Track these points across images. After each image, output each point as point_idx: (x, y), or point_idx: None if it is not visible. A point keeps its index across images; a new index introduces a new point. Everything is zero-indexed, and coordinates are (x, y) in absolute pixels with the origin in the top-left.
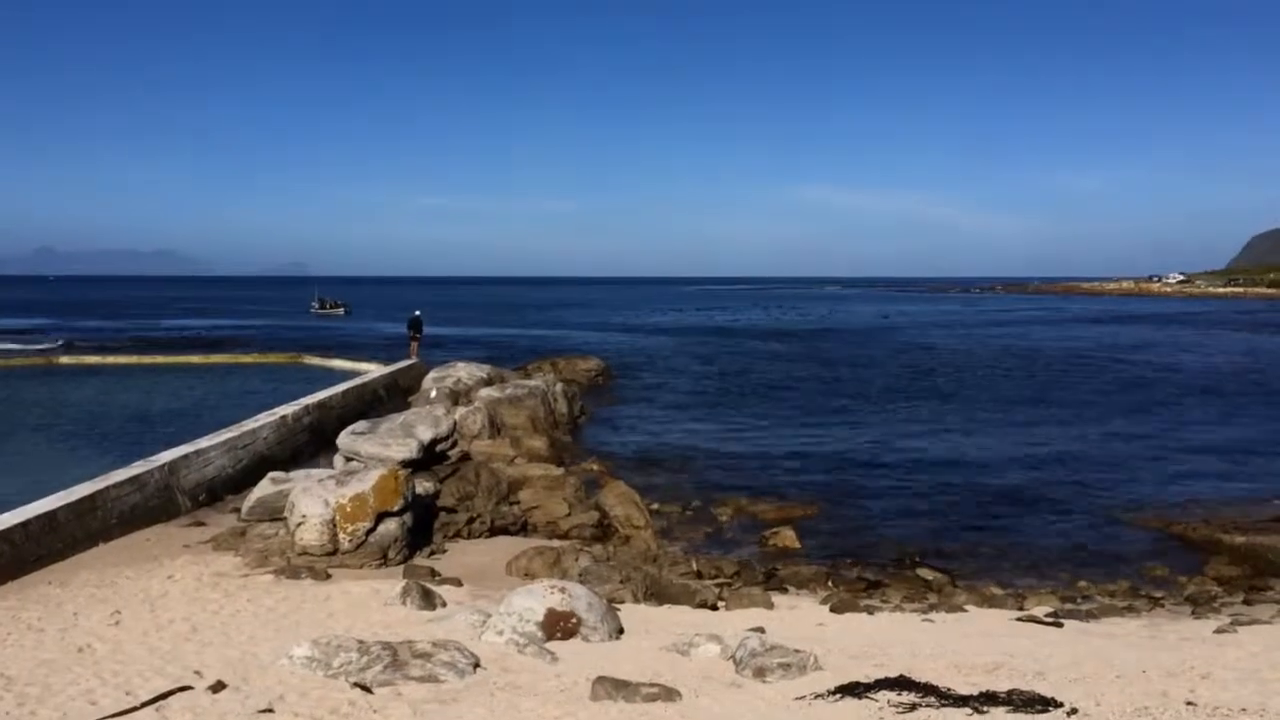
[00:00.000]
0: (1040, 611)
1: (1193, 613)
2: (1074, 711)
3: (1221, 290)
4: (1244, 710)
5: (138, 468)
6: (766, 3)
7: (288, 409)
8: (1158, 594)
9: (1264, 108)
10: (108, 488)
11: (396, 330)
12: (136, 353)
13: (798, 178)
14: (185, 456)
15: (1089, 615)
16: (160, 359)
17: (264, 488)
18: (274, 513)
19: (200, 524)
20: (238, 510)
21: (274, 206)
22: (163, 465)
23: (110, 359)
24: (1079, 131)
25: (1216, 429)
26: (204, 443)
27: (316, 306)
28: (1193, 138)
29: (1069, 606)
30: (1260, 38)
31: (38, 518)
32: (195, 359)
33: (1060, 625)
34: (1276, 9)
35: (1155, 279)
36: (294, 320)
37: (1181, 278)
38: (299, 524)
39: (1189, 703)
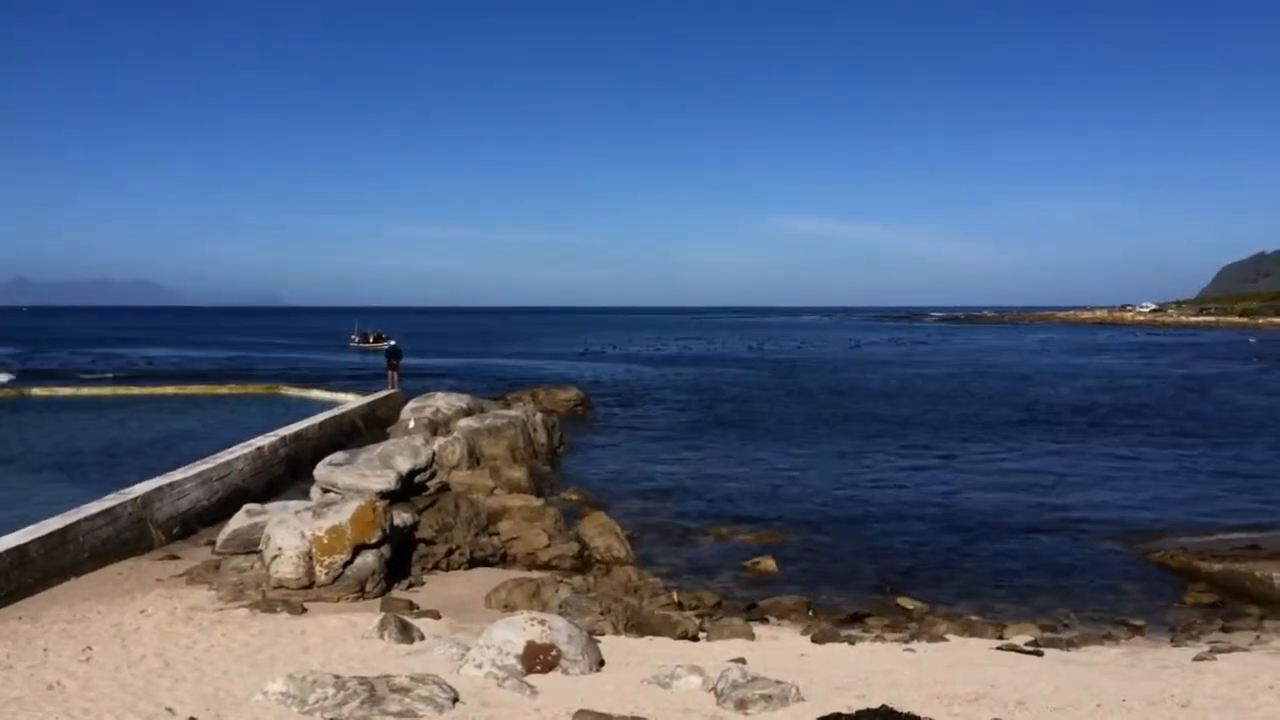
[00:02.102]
0: (1020, 640)
1: (1172, 640)
2: None
3: (1194, 319)
4: None
5: (110, 500)
6: (743, 37)
7: (263, 440)
8: (1137, 622)
9: (1234, 142)
10: (79, 521)
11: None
12: (110, 384)
13: (776, 209)
14: (159, 489)
15: (1069, 643)
16: (134, 390)
17: (239, 520)
18: (249, 546)
19: (174, 557)
20: (212, 543)
21: (249, 237)
22: (136, 498)
23: (84, 390)
24: (1052, 164)
25: (1189, 456)
26: (178, 475)
27: (357, 340)
28: (1164, 170)
29: (1049, 635)
30: (1230, 75)
31: (7, 551)
32: (170, 390)
33: (1041, 654)
34: (1247, 48)
35: (1128, 308)
36: (337, 355)
37: (1154, 307)
38: (274, 557)
39: None
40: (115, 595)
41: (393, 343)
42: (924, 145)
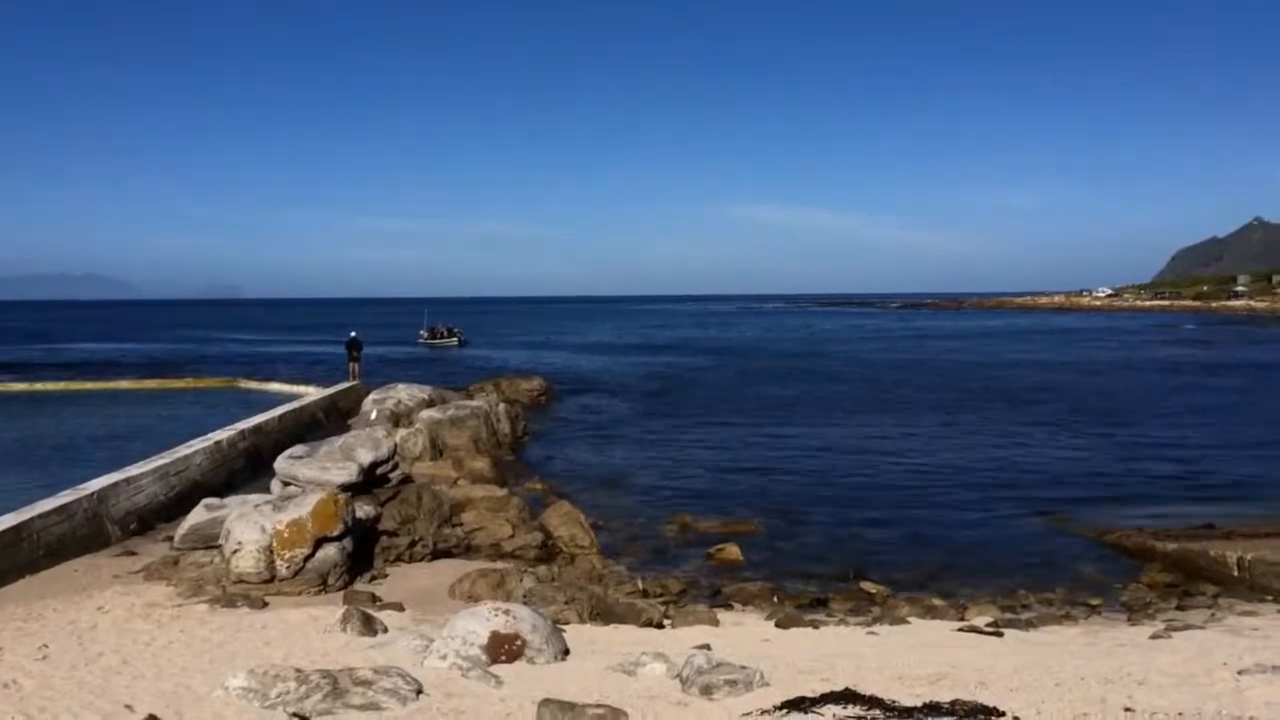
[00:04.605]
0: (981, 621)
1: (1129, 619)
2: None
3: (1149, 303)
4: (1180, 714)
5: (65, 497)
6: (704, 29)
7: (222, 434)
8: (1094, 602)
9: (1185, 129)
10: (33, 518)
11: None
12: (65, 379)
13: (738, 197)
14: (115, 484)
15: (1028, 624)
16: (89, 385)
17: (198, 515)
18: (208, 540)
19: (131, 554)
20: (170, 539)
21: (206, 228)
22: (91, 494)
23: (37, 385)
24: (1007, 152)
25: (1138, 435)
26: (135, 470)
27: (426, 335)
28: (1118, 157)
29: (1009, 616)
30: (1186, 65)
31: None
32: (124, 384)
33: (1001, 634)
34: (1197, 38)
35: (1085, 293)
36: (409, 347)
37: (1110, 291)
38: (234, 551)
39: (1127, 709)
40: (71, 592)
41: (354, 334)
42: (885, 134)
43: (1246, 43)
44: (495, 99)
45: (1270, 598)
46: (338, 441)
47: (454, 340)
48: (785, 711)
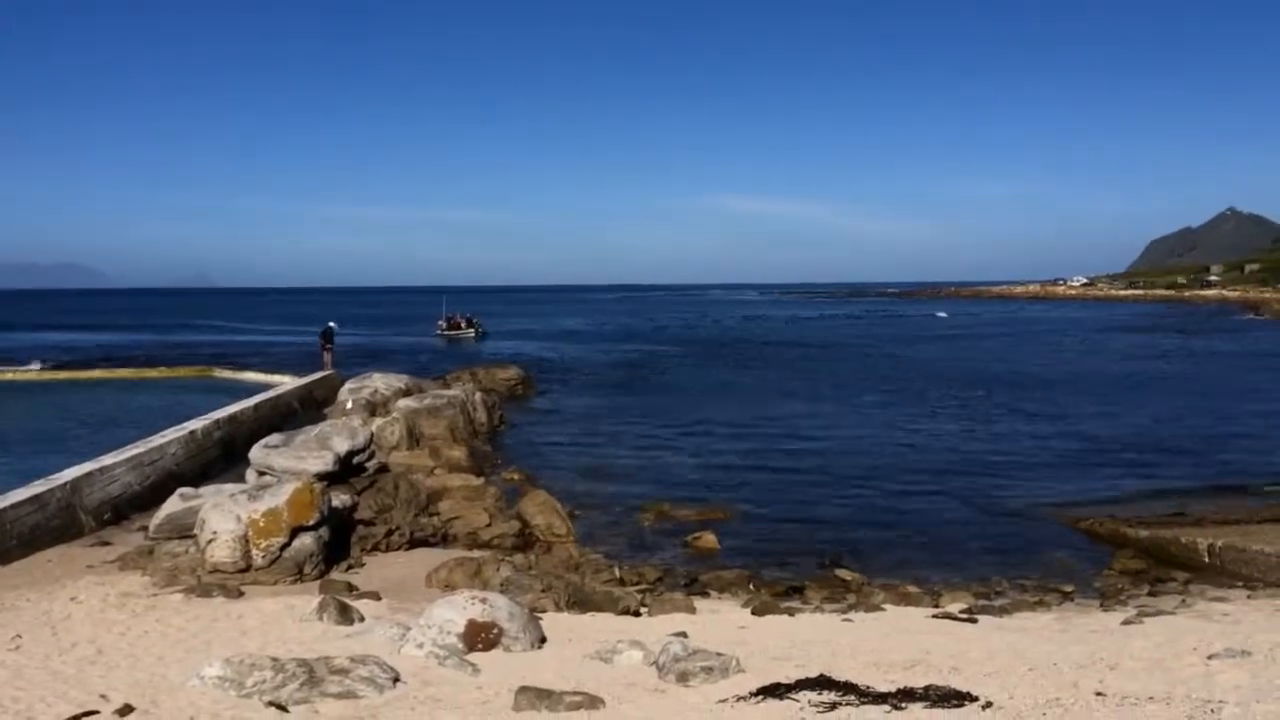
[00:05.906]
0: (955, 608)
1: (1101, 605)
2: (989, 705)
3: (1123, 292)
4: (1151, 698)
5: (38, 486)
6: (679, 18)
7: (197, 423)
8: (1067, 588)
9: (1160, 118)
10: (6, 508)
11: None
12: (36, 369)
13: (715, 188)
14: (89, 474)
15: (1002, 610)
16: (63, 374)
17: (173, 504)
18: (183, 530)
19: (105, 543)
20: (145, 529)
21: (176, 218)
22: (65, 484)
23: (8, 374)
24: (983, 143)
25: (1111, 423)
26: (108, 459)
27: (444, 326)
28: (1093, 147)
29: (983, 602)
30: (1156, 57)
31: None
32: (98, 373)
33: (975, 621)
34: (1171, 29)
35: (1060, 282)
36: (419, 339)
37: (1085, 281)
38: (210, 541)
39: (1098, 693)
40: (45, 583)
41: (331, 324)
42: (861, 124)
43: (1219, 34)
44: (465, 89)
45: (1240, 584)
46: (313, 431)
47: (471, 332)
48: (761, 698)
